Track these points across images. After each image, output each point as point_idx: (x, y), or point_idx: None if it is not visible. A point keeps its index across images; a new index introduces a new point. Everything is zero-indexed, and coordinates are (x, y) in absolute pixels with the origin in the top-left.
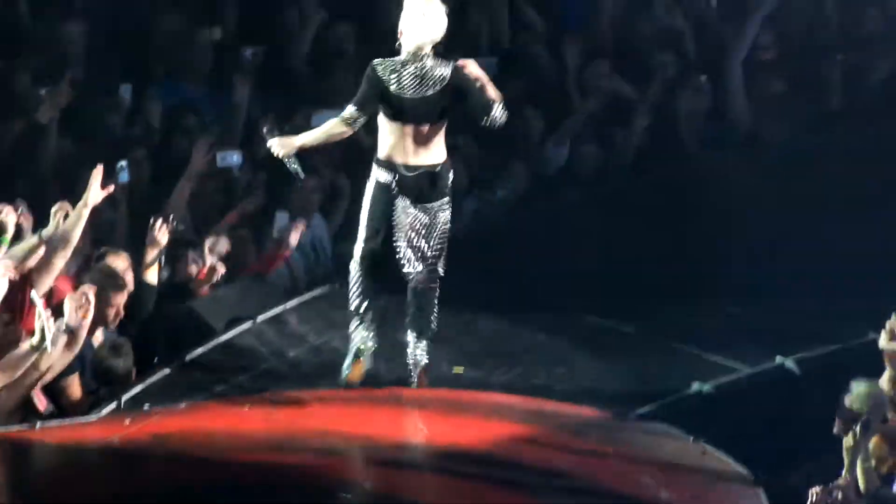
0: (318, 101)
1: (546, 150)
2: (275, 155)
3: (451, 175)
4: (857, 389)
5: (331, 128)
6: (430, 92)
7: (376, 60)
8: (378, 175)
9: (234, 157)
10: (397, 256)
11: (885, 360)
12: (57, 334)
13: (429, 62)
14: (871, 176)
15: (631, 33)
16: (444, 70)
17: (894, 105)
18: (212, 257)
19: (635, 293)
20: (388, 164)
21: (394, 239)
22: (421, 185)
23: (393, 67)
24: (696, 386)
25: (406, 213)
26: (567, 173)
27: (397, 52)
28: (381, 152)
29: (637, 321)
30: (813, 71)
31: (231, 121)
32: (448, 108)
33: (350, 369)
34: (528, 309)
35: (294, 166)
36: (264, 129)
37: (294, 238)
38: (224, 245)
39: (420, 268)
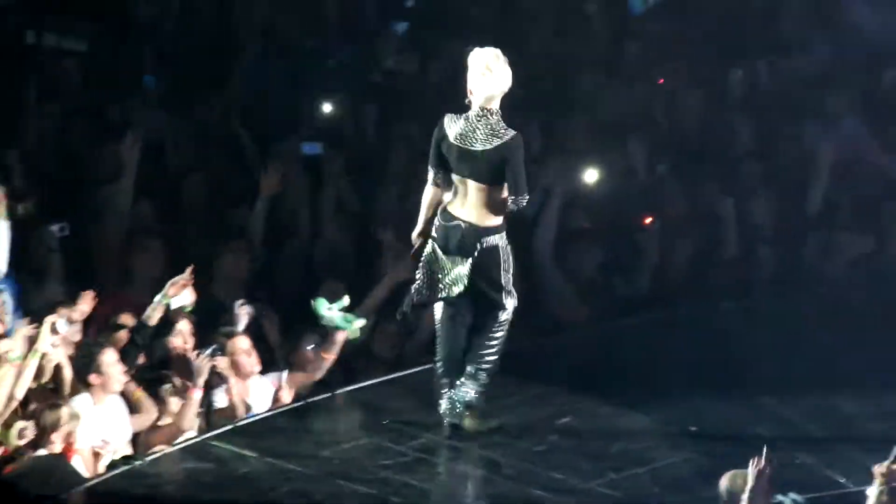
0: (126, 279)
1: None
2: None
3: (495, 239)
4: None
5: (431, 198)
6: (488, 146)
7: (447, 114)
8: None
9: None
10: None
11: None
12: None
13: (494, 119)
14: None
15: None
16: (506, 132)
17: (697, 285)
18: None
19: None
20: (444, 214)
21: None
22: (454, 237)
23: (457, 119)
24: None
25: (450, 261)
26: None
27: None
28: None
29: None
30: (629, 245)
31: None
32: (501, 173)
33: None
34: None
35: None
36: None
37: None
38: (31, 431)
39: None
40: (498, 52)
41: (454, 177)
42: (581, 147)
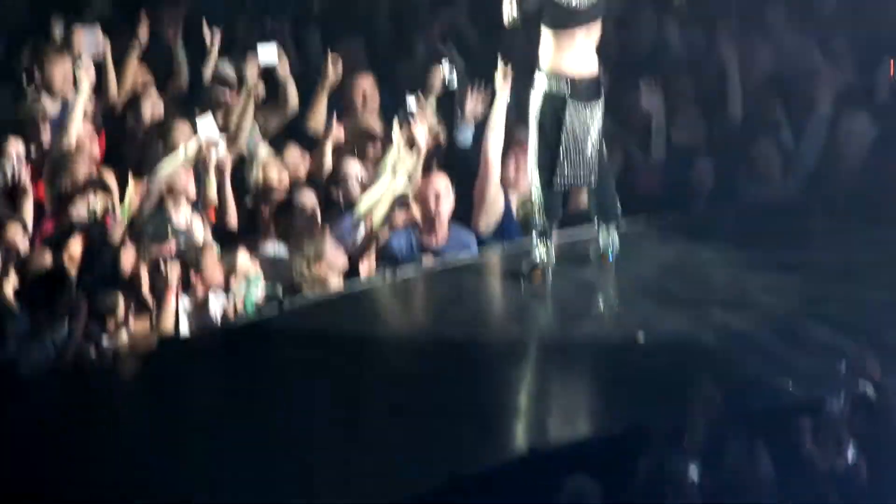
0: None
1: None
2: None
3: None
4: None
5: None
6: None
7: None
8: (549, 86)
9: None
10: (573, 158)
11: None
12: None
13: None
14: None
15: None
16: None
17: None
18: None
19: None
20: (557, 74)
21: (564, 144)
22: (589, 88)
23: None
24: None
25: (578, 115)
26: None
27: None
28: (547, 64)
29: None
30: None
31: None
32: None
33: (531, 273)
34: None
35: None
36: None
37: None
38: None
39: (596, 162)
40: None
41: (559, 32)
42: None
